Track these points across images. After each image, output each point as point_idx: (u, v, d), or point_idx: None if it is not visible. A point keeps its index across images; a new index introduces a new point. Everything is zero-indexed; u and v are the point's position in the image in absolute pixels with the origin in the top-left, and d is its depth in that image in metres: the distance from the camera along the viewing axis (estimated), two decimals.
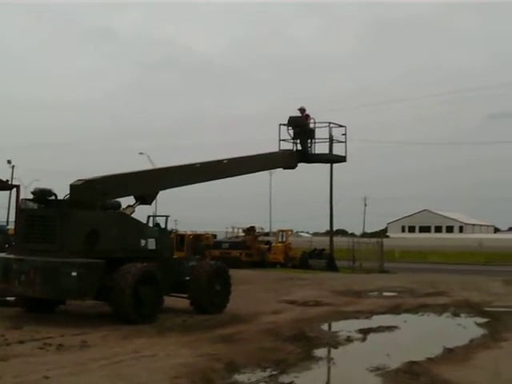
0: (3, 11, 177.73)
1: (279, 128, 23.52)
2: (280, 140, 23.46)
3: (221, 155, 20.37)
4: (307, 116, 23.70)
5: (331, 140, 24.43)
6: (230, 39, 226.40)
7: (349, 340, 13.88)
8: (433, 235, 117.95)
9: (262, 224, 58.69)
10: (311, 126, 23.63)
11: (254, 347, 12.45)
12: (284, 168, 23.83)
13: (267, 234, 58.68)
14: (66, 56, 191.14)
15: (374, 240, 49.24)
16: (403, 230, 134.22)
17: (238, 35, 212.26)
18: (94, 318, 15.86)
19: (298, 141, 23.40)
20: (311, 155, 23.66)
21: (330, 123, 24.84)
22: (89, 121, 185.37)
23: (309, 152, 23.54)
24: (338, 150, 24.58)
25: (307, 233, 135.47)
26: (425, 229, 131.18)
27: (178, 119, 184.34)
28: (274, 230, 63.13)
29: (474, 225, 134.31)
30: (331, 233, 50.34)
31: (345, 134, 24.34)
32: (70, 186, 15.87)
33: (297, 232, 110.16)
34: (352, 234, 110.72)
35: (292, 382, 9.71)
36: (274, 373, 10.32)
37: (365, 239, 55.35)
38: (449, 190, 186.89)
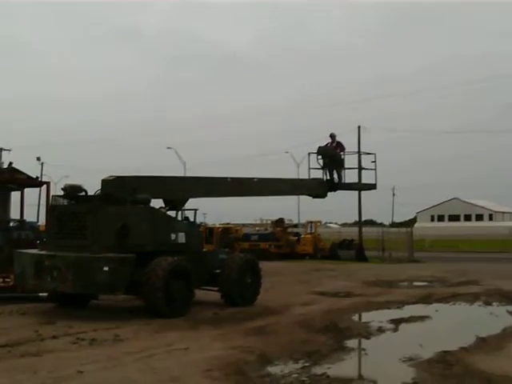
0: (33, 13, 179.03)
1: (308, 156, 23.66)
2: (310, 168, 23.53)
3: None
4: (338, 144, 23.72)
5: (360, 169, 24.47)
6: (255, 32, 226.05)
7: (380, 330, 13.85)
8: (462, 224, 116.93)
9: (290, 216, 58.71)
10: (341, 156, 23.66)
11: (285, 339, 12.47)
12: (313, 197, 23.82)
13: (296, 226, 58.70)
14: (92, 54, 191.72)
15: (403, 230, 48.97)
16: (432, 219, 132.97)
17: (262, 28, 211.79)
18: (125, 313, 15.97)
19: (328, 170, 23.46)
20: (341, 184, 23.68)
21: (359, 152, 25.00)
22: (117, 117, 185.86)
23: (339, 182, 23.57)
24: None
25: (336, 224, 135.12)
26: (454, 217, 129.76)
27: (204, 113, 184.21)
28: (303, 221, 63.10)
29: (503, 212, 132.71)
30: (360, 223, 50.16)
31: (374, 162, 24.34)
32: (102, 181, 16.00)
33: (325, 223, 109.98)
34: (381, 224, 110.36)
35: (325, 373, 9.69)
36: (307, 364, 10.32)
37: (394, 229, 55.09)
38: (478, 177, 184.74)
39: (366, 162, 24.98)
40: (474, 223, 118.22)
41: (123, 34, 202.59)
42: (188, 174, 55.00)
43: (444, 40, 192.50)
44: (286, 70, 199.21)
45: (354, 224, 76.35)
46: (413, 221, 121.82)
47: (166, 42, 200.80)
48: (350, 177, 24.20)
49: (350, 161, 24.44)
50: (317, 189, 23.20)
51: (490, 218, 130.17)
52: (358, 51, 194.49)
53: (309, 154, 23.74)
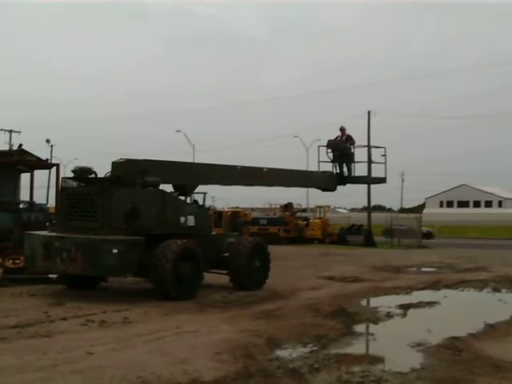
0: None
1: (318, 149, 23.65)
2: (319, 161, 23.55)
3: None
4: (348, 137, 23.69)
5: (370, 162, 24.41)
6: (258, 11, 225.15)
7: (389, 316, 13.84)
8: (471, 210, 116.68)
9: (299, 200, 58.58)
10: (351, 149, 23.63)
11: (294, 323, 12.49)
12: (323, 190, 23.89)
13: (304, 210, 58.71)
14: (105, 33, 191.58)
15: (412, 215, 48.84)
16: (441, 205, 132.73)
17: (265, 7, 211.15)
18: (134, 295, 16.03)
19: (337, 164, 23.47)
20: (350, 178, 23.69)
21: (369, 146, 24.94)
22: (126, 100, 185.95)
23: (348, 175, 23.57)
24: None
25: (344, 209, 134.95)
26: (463, 204, 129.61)
27: (212, 96, 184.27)
28: (312, 206, 63.05)
29: None
30: (369, 208, 50.10)
31: (384, 155, 24.28)
32: (112, 163, 16.05)
33: (334, 208, 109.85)
34: (390, 210, 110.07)
35: (333, 357, 9.71)
36: (315, 348, 10.32)
37: (403, 215, 54.98)
38: (487, 164, 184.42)
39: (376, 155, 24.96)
40: (483, 210, 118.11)
41: (128, 14, 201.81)
42: (196, 158, 55.13)
43: None
44: (292, 52, 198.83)
45: (363, 209, 76.30)
46: (421, 207, 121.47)
47: (172, 23, 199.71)
48: (360, 170, 24.26)
49: (361, 154, 24.50)
50: (326, 182, 23.26)
51: (500, 204, 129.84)
52: (374, 35, 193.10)
53: (318, 147, 23.84)
